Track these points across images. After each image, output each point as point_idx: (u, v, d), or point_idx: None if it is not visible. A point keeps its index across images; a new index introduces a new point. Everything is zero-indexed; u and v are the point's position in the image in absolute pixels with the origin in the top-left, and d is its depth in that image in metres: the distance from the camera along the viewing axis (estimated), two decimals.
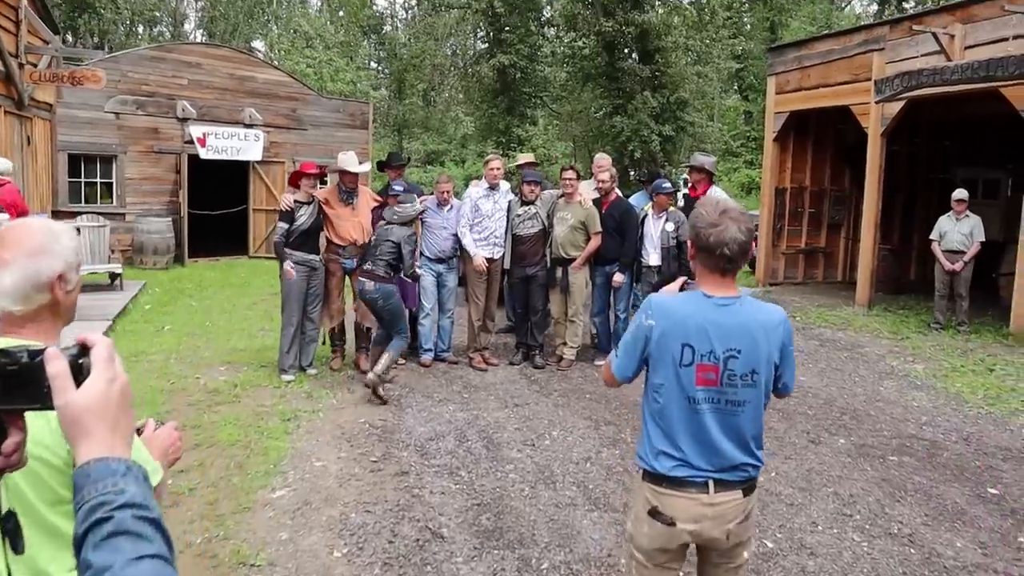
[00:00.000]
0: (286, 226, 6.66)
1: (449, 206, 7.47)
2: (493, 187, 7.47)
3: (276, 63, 30.70)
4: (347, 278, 7.16)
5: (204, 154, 14.86)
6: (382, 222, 6.67)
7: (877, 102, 10.52)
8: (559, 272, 7.38)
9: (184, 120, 14.88)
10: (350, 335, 7.64)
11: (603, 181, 7.44)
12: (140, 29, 34.66)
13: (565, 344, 7.54)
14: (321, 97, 18.21)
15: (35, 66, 9.37)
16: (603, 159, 7.84)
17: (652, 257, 7.33)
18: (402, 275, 6.56)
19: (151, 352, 7.66)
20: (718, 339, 2.23)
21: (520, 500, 4.54)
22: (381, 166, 7.89)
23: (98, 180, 14.10)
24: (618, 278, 7.35)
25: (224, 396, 6.33)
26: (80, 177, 13.82)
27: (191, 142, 14.77)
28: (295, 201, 6.71)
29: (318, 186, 7.03)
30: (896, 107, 10.30)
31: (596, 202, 7.51)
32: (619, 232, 7.35)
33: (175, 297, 11.07)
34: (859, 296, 11.21)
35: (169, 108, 14.76)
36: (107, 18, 26.26)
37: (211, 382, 6.72)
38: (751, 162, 37.74)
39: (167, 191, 14.85)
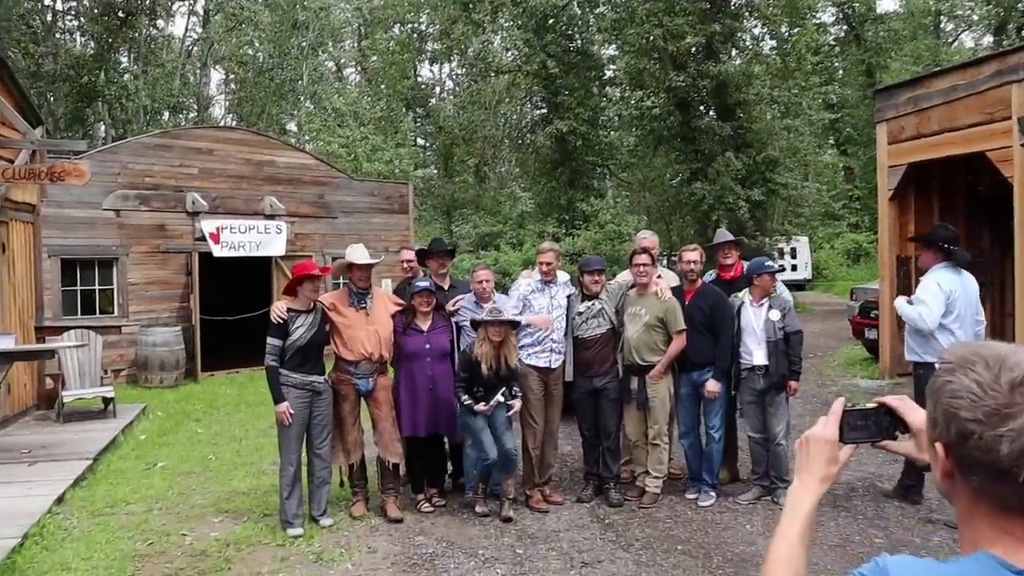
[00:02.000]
0: (279, 343, 6.09)
1: (492, 302, 6.80)
2: (548, 281, 6.80)
3: (305, 144, 31.46)
4: (363, 401, 6.50)
5: (218, 251, 14.81)
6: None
7: (1023, 145, 9.62)
8: (634, 383, 6.68)
9: (194, 214, 14.88)
10: (373, 473, 6.94)
11: (692, 263, 6.71)
12: (166, 116, 36.07)
13: (647, 474, 6.76)
14: (353, 180, 18.23)
15: (11, 162, 9.22)
16: (648, 237, 7.36)
17: (756, 355, 6.55)
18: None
19: (132, 500, 7.14)
20: None
21: None
22: (422, 257, 7.37)
23: (96, 287, 14.04)
24: (711, 387, 6.55)
25: (211, 562, 5.66)
26: (76, 285, 13.76)
27: (203, 239, 14.75)
28: (288, 310, 6.14)
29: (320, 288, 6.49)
30: None
31: (677, 291, 6.77)
32: (709, 328, 6.61)
33: (179, 422, 10.70)
34: None
35: (177, 201, 14.79)
36: (122, 107, 27.10)
37: (199, 540, 6.09)
38: (856, 225, 36.72)
39: (176, 296, 14.75)
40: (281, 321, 6.11)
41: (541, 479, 6.87)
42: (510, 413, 6.40)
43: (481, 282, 6.84)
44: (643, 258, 6.69)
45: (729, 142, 22.50)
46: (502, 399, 6.37)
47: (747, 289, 6.72)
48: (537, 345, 6.70)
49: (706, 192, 21.94)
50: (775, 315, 6.52)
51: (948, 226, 6.77)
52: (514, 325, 6.46)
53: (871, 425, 1.49)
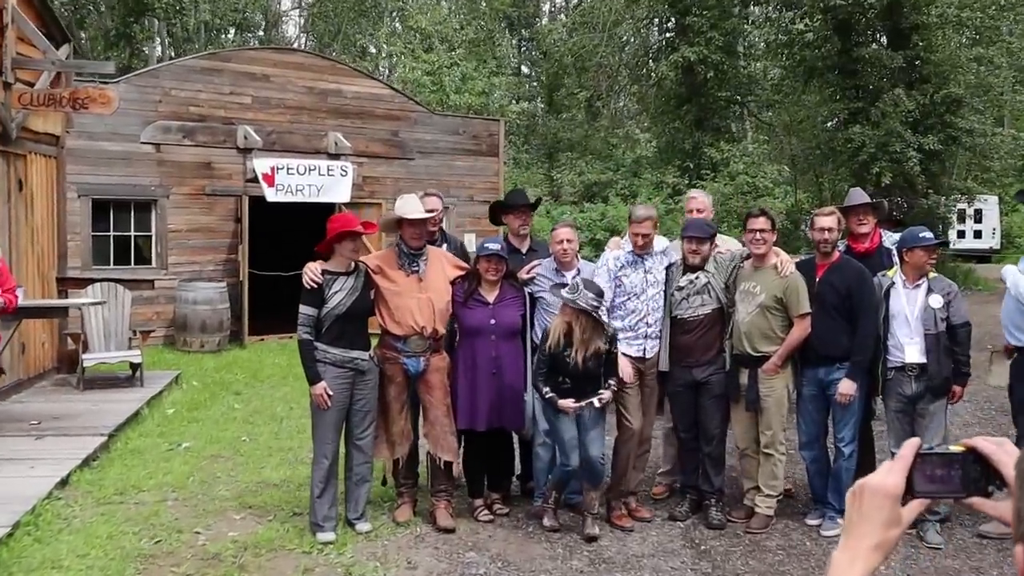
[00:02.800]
0: (313, 312, 6.02)
1: (575, 270, 6.59)
2: (642, 254, 6.56)
3: (384, 72, 31.61)
4: (413, 385, 6.40)
5: (272, 196, 14.86)
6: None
7: None
8: (744, 377, 6.39)
9: (246, 151, 15.00)
10: (423, 470, 6.86)
11: (826, 230, 6.34)
12: (231, 34, 36.88)
13: (758, 491, 6.50)
14: (433, 115, 18.22)
15: (30, 85, 9.42)
16: (700, 197, 7.19)
17: (909, 350, 6.15)
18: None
19: (146, 486, 7.25)
20: None
21: None
22: (496, 213, 7.21)
23: (132, 233, 14.38)
24: (844, 388, 6.20)
25: (223, 569, 5.70)
26: (108, 230, 14.11)
27: (255, 180, 14.82)
28: (325, 272, 6.05)
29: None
30: None
31: (805, 265, 6.42)
32: (845, 314, 6.25)
33: (215, 395, 10.89)
34: None
35: (226, 136, 14.92)
36: (180, 22, 27.75)
37: (214, 541, 6.14)
38: None
39: (223, 246, 14.99)
40: (315, 285, 6.05)
41: (629, 488, 6.70)
42: (601, 402, 6.16)
43: (562, 242, 6.61)
44: (759, 222, 6.35)
45: (900, 76, 21.79)
46: (597, 403, 6.14)
47: (897, 267, 6.31)
48: (629, 330, 6.49)
49: (867, 138, 21.28)
50: (936, 301, 6.10)
51: None
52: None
53: (954, 476, 1.33)
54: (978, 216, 31.92)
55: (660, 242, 6.69)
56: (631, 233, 6.56)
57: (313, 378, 6.04)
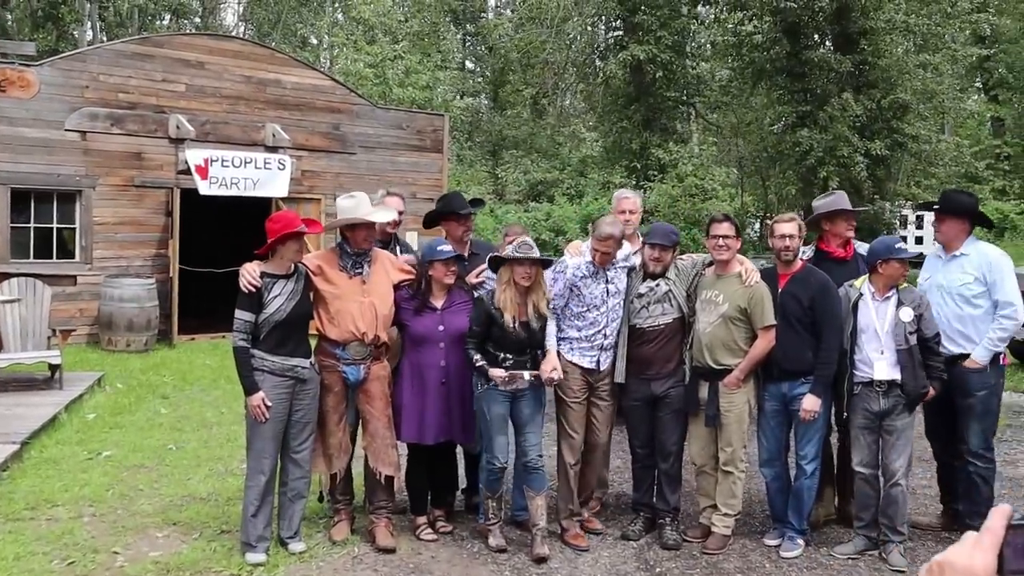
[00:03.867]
0: (251, 318, 5.68)
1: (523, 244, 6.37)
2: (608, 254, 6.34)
3: (326, 63, 31.11)
4: (352, 395, 6.11)
5: (206, 188, 14.66)
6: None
7: None
8: (704, 391, 6.17)
9: (179, 141, 14.72)
10: (359, 486, 6.55)
11: (787, 237, 6.13)
12: (166, 20, 36.06)
13: (715, 508, 6.28)
14: (376, 108, 17.98)
15: None
16: (632, 197, 6.99)
17: (879, 366, 5.97)
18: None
19: (61, 500, 6.85)
20: None
21: None
22: (431, 219, 6.92)
23: (54, 225, 13.94)
24: (808, 404, 6.00)
25: None
26: (29, 222, 13.68)
27: (187, 172, 14.60)
28: (264, 275, 5.70)
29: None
30: None
31: (768, 274, 6.23)
32: (808, 326, 6.05)
33: (140, 398, 10.53)
34: None
35: (158, 124, 14.60)
36: (112, 6, 26.99)
37: (133, 562, 5.76)
38: (1003, 191, 35.41)
39: (152, 240, 14.65)
40: (253, 289, 5.69)
41: (579, 499, 6.47)
42: (532, 377, 5.94)
43: (514, 239, 6.34)
44: (723, 227, 6.13)
45: (848, 80, 21.98)
46: (527, 376, 5.91)
47: (865, 277, 6.12)
48: (584, 341, 6.27)
49: (815, 142, 21.43)
50: (906, 314, 5.91)
51: None
52: (546, 264, 6.09)
53: None
54: (920, 222, 32.31)
55: (624, 248, 6.43)
56: (593, 248, 6.28)
57: (250, 388, 5.69)
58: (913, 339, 5.89)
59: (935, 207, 6.50)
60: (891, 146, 22.12)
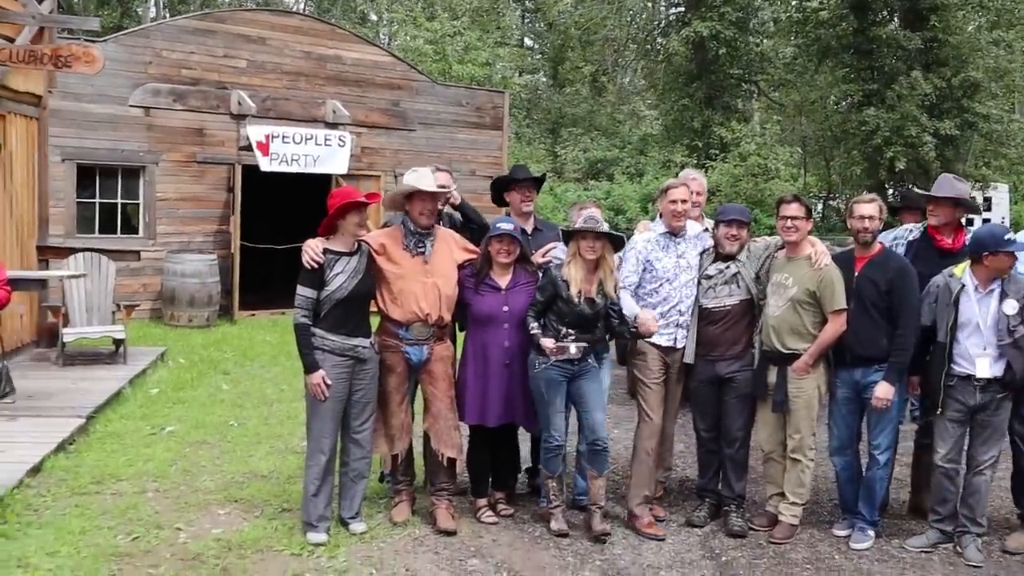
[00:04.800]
0: (313, 295, 5.64)
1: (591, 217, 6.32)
2: (675, 232, 6.20)
3: (382, 40, 31.10)
4: (414, 376, 6.09)
5: (267, 165, 14.70)
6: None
7: None
8: (773, 375, 6.03)
9: (240, 117, 14.81)
10: (421, 467, 6.57)
11: (866, 219, 5.95)
12: None
13: (782, 497, 6.16)
14: (436, 85, 17.97)
15: (11, 41, 9.02)
16: (699, 179, 6.87)
17: (980, 363, 5.74)
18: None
19: (125, 475, 6.90)
20: None
21: None
22: (499, 189, 6.84)
23: (118, 200, 14.12)
24: (881, 392, 5.83)
25: (204, 572, 5.32)
26: (94, 197, 13.85)
27: (249, 148, 14.67)
28: (327, 251, 5.65)
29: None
30: None
31: (842, 258, 6.06)
32: (885, 312, 5.88)
33: (203, 373, 10.64)
34: None
35: (219, 101, 14.71)
36: None
37: (196, 539, 5.76)
38: None
39: (214, 216, 14.77)
40: (316, 265, 5.64)
41: (653, 492, 6.39)
42: (579, 350, 5.81)
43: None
44: (792, 208, 5.99)
45: (917, 58, 21.54)
46: (576, 351, 5.78)
47: (966, 265, 5.87)
48: (660, 318, 6.16)
49: (881, 121, 21.08)
50: (1010, 307, 5.66)
51: None
52: (617, 243, 5.98)
53: None
54: (988, 204, 31.64)
55: (693, 226, 6.31)
56: (666, 205, 6.21)
57: (310, 366, 5.66)
58: (1020, 331, 5.64)
59: None
60: (961, 126, 21.70)
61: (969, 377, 5.75)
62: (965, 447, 5.94)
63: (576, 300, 5.78)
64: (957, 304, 5.80)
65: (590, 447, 5.98)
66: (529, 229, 6.60)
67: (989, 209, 31.91)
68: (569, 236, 5.91)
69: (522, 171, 6.80)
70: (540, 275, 6.18)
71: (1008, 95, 24.53)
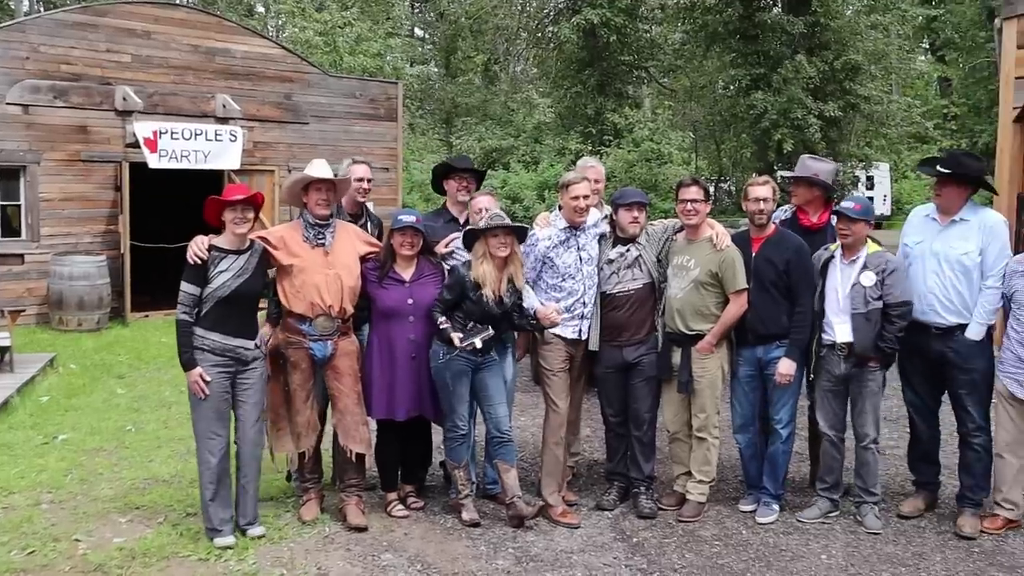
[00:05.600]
0: (195, 291, 5.50)
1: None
2: (577, 227, 6.21)
3: (270, 32, 30.56)
4: (320, 372, 5.98)
5: (155, 162, 14.42)
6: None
7: None
8: (677, 357, 6.12)
9: (126, 113, 14.43)
10: (328, 464, 6.50)
11: (762, 200, 6.05)
12: None
13: (689, 476, 6.26)
14: (329, 76, 17.73)
15: None
16: (598, 167, 6.81)
17: (838, 330, 5.93)
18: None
19: (17, 487, 6.65)
20: None
21: None
22: (440, 177, 6.82)
23: None
24: (783, 368, 5.97)
25: None
26: None
27: (136, 145, 14.33)
28: (212, 248, 5.51)
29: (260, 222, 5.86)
30: None
31: (738, 239, 6.16)
32: (783, 290, 6.02)
33: (96, 378, 10.35)
34: None
35: (103, 97, 14.29)
36: None
37: (96, 550, 5.59)
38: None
39: (102, 216, 14.37)
40: (199, 261, 5.50)
41: (561, 481, 6.39)
42: (550, 321, 5.90)
43: (481, 211, 6.22)
44: (692, 191, 6.06)
45: (801, 43, 22.02)
46: (479, 343, 5.75)
47: (838, 240, 6.05)
48: (566, 311, 6.16)
49: (768, 104, 21.50)
50: (868, 279, 5.85)
51: None
52: (522, 235, 5.95)
53: None
54: (871, 183, 32.58)
55: (593, 213, 6.31)
56: (567, 201, 6.16)
57: (187, 363, 5.54)
58: (876, 304, 5.82)
59: (939, 170, 6.04)
60: (844, 107, 22.25)
61: (834, 345, 5.96)
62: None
63: (486, 300, 5.77)
64: (825, 273, 6.01)
65: (496, 440, 6.00)
66: (462, 220, 6.56)
67: (871, 188, 32.92)
68: (474, 236, 5.87)
69: (463, 161, 6.86)
70: (445, 267, 6.15)
71: (886, 77, 25.23)
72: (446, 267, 6.16)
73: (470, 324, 5.80)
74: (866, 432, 5.96)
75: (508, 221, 5.83)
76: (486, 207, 6.21)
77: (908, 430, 6.49)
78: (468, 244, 5.95)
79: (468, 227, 6.05)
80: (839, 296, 5.94)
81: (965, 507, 6.02)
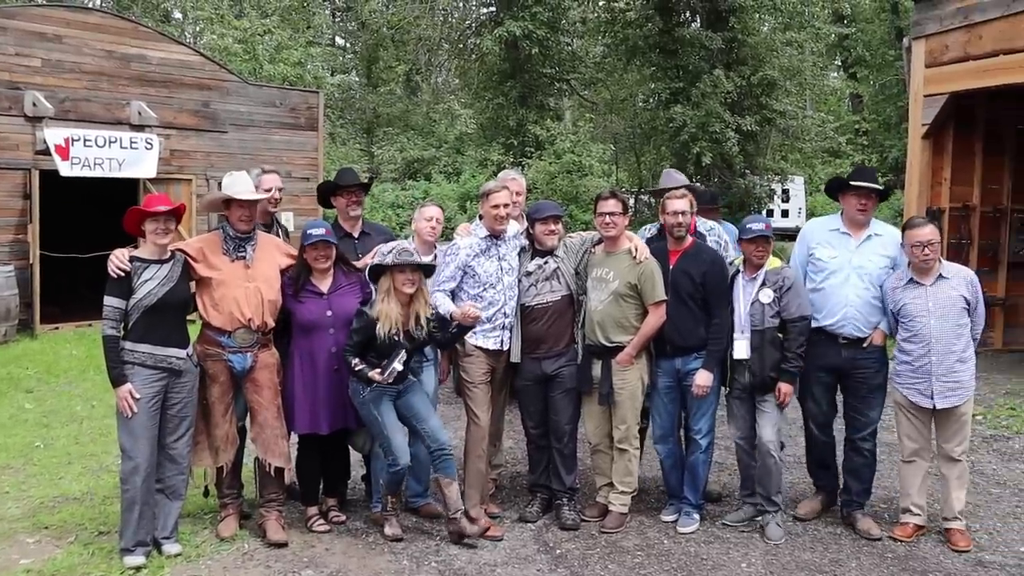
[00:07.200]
0: (121, 304, 5.39)
1: (434, 254, 6.38)
2: (497, 235, 6.23)
3: (188, 39, 30.09)
4: (239, 385, 5.89)
5: (67, 170, 14.12)
6: None
7: None
8: (597, 369, 6.15)
9: (36, 119, 14.10)
10: (248, 479, 6.34)
11: (679, 213, 6.13)
12: None
13: (611, 487, 6.29)
14: (248, 84, 17.56)
15: None
16: (519, 179, 6.81)
17: (738, 345, 6.10)
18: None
19: None
20: None
21: None
22: (326, 193, 6.71)
23: None
24: (700, 379, 6.04)
25: None
26: None
27: (47, 152, 14.03)
28: (134, 259, 5.40)
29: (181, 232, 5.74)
30: None
31: (659, 250, 6.22)
32: (700, 302, 6.10)
33: (2, 393, 10.12)
34: None
35: (11, 102, 13.97)
36: None
37: (2, 572, 5.44)
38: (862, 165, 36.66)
39: (9, 225, 14.01)
40: (121, 274, 5.39)
41: (484, 493, 6.35)
42: (472, 317, 5.83)
43: (431, 219, 6.33)
44: (610, 204, 6.11)
45: (719, 58, 22.33)
46: (399, 366, 5.69)
47: (741, 257, 6.20)
48: (487, 322, 6.16)
49: (687, 118, 21.69)
50: (766, 296, 5.98)
51: None
52: (428, 271, 5.93)
53: None
54: (786, 195, 33.19)
55: (513, 225, 6.34)
56: (488, 209, 6.17)
57: (116, 380, 5.40)
58: (774, 321, 5.95)
59: (862, 185, 6.10)
60: (760, 122, 22.64)
61: (737, 362, 6.10)
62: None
63: (388, 340, 5.67)
64: (732, 288, 6.13)
65: (434, 455, 5.92)
66: (356, 233, 6.53)
67: (787, 200, 33.54)
68: (380, 272, 5.80)
69: (349, 176, 6.70)
70: (359, 276, 6.09)
71: (801, 93, 25.75)
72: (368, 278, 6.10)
73: (374, 358, 5.74)
74: (766, 442, 6.03)
75: (416, 258, 5.75)
76: (436, 216, 6.37)
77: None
78: (374, 279, 5.86)
79: (373, 262, 5.92)
80: (740, 312, 6.07)
81: (854, 511, 6.20)
